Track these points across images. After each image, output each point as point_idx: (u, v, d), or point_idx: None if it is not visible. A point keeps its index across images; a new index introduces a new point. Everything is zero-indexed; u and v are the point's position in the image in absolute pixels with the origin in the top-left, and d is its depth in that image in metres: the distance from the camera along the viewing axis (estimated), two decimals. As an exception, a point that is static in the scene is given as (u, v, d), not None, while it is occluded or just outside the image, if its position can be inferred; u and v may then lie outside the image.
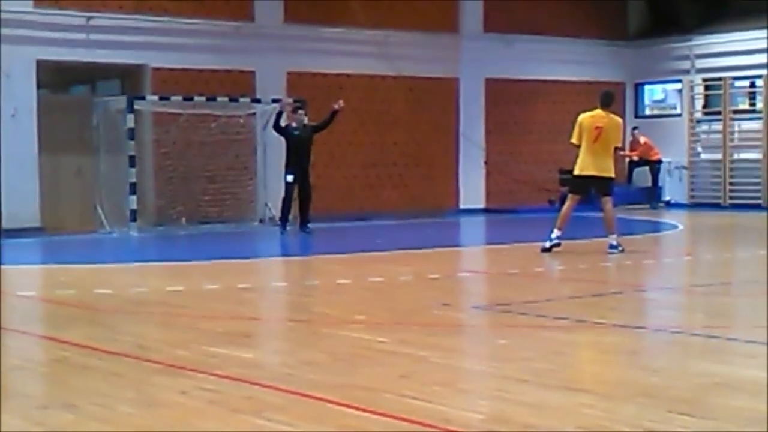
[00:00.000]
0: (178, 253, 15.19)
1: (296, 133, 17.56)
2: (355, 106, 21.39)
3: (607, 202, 13.47)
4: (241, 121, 19.73)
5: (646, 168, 24.25)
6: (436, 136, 22.61)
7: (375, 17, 21.43)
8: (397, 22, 21.74)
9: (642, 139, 24.26)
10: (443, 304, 9.30)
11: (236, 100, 19.49)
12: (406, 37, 21.80)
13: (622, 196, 23.73)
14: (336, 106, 17.55)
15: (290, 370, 6.40)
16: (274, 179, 20.13)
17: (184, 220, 18.90)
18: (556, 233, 13.44)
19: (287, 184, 17.53)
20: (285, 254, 15.79)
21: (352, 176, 21.43)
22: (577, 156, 13.55)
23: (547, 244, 13.38)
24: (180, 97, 18.82)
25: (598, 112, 13.44)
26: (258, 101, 19.89)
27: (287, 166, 17.56)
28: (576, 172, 13.60)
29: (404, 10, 21.90)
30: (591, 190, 13.63)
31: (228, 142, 19.56)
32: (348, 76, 21.34)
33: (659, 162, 24.14)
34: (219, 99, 19.19)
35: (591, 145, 13.31)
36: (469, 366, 6.79)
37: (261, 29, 20.39)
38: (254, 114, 19.92)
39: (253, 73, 20.31)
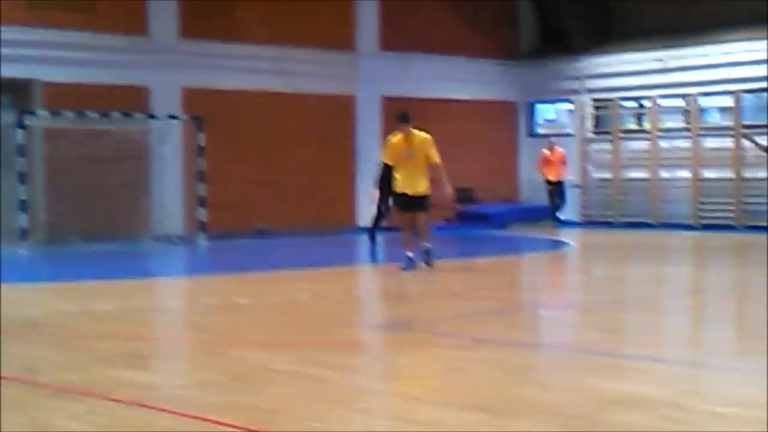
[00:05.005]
0: (71, 272, 14.84)
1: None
2: (252, 122, 21.30)
3: (422, 217, 13.75)
4: (135, 137, 19.46)
5: (548, 185, 23.99)
6: (334, 154, 22.64)
7: (271, 34, 21.39)
8: (294, 39, 21.73)
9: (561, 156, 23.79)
10: (341, 323, 9.30)
11: (130, 116, 19.22)
12: (303, 54, 21.80)
13: (521, 213, 24.06)
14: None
15: (187, 392, 6.32)
16: (168, 196, 19.91)
17: (77, 238, 18.51)
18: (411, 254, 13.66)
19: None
20: (182, 273, 15.60)
21: (249, 193, 21.28)
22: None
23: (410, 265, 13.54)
24: (72, 113, 18.47)
25: (403, 133, 13.79)
26: (153, 117, 19.66)
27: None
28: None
29: (301, 27, 21.90)
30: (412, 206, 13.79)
31: (122, 158, 19.22)
32: (245, 92, 21.23)
33: (561, 182, 24.03)
34: (112, 115, 18.88)
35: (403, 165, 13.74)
36: (367, 385, 6.79)
37: (155, 44, 20.16)
38: (149, 130, 19.68)
39: (147, 88, 20.06)
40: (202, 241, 19.22)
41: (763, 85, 22.18)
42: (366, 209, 22.68)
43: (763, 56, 21.95)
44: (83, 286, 12.79)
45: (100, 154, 18.93)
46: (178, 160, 20.17)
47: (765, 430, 5.23)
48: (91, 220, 18.73)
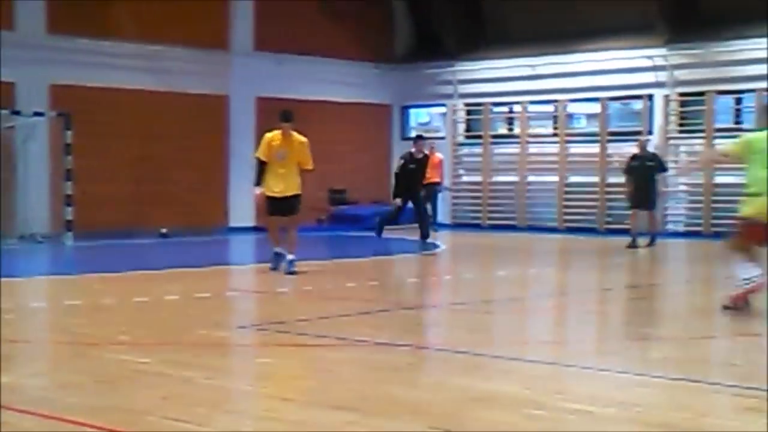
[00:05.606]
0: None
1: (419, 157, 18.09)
2: (123, 120, 20.97)
3: (292, 220, 13.55)
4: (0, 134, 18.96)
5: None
6: (207, 153, 22.45)
7: (144, 31, 21.09)
8: (167, 37, 21.47)
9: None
10: (209, 323, 9.24)
11: (-6, 112, 18.72)
12: (176, 53, 21.56)
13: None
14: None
15: (48, 393, 6.19)
16: (34, 194, 19.42)
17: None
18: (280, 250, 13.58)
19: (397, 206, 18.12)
20: (46, 273, 15.21)
21: (120, 192, 20.92)
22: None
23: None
24: (-67, 108, 17.90)
25: (282, 132, 13.45)
26: (18, 113, 19.17)
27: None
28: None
29: (174, 25, 21.66)
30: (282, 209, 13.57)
31: (-15, 155, 18.75)
32: (116, 90, 20.86)
33: (439, 183, 24.13)
34: (-24, 111, 18.37)
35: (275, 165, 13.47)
36: (235, 386, 6.77)
37: (22, 39, 19.65)
38: (13, 127, 19.19)
39: (13, 84, 19.54)
40: (69, 241, 18.81)
41: (629, 93, 22.91)
42: (240, 208, 22.56)
43: (629, 65, 22.66)
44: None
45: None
46: (44, 158, 19.71)
47: (619, 426, 5.43)
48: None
